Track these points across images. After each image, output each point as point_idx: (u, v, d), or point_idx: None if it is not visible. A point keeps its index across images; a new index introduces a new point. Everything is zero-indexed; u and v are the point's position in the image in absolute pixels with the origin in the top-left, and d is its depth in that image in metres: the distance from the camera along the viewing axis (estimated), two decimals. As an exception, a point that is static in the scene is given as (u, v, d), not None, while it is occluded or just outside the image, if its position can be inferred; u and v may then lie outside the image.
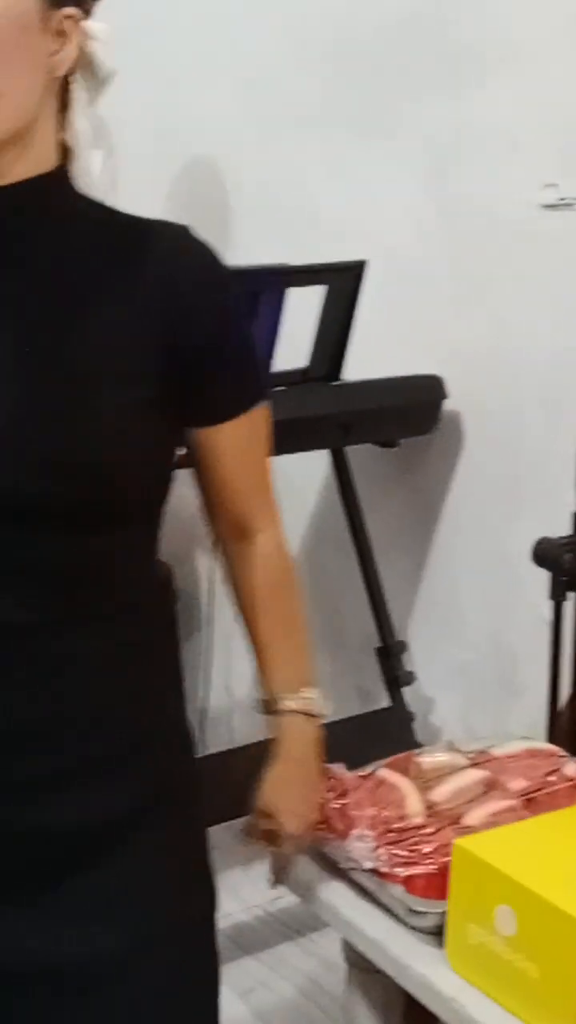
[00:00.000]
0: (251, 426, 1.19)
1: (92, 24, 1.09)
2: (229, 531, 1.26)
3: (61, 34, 1.04)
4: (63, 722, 1.10)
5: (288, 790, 1.30)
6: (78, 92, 1.11)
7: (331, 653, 2.68)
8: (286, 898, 2.03)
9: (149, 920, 1.14)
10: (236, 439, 1.18)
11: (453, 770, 1.60)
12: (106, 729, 1.12)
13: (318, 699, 1.31)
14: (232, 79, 2.66)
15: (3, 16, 1.00)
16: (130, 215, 1.13)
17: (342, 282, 2.25)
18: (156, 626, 1.20)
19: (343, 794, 1.52)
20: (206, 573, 2.74)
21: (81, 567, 1.08)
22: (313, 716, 1.30)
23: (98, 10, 1.10)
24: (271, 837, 1.32)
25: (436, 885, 1.35)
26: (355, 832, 1.45)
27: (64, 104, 1.10)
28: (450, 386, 2.32)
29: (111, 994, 1.12)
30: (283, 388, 2.26)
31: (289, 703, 1.28)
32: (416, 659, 2.49)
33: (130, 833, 1.14)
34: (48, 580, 1.07)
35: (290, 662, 1.29)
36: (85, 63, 1.09)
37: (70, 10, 1.05)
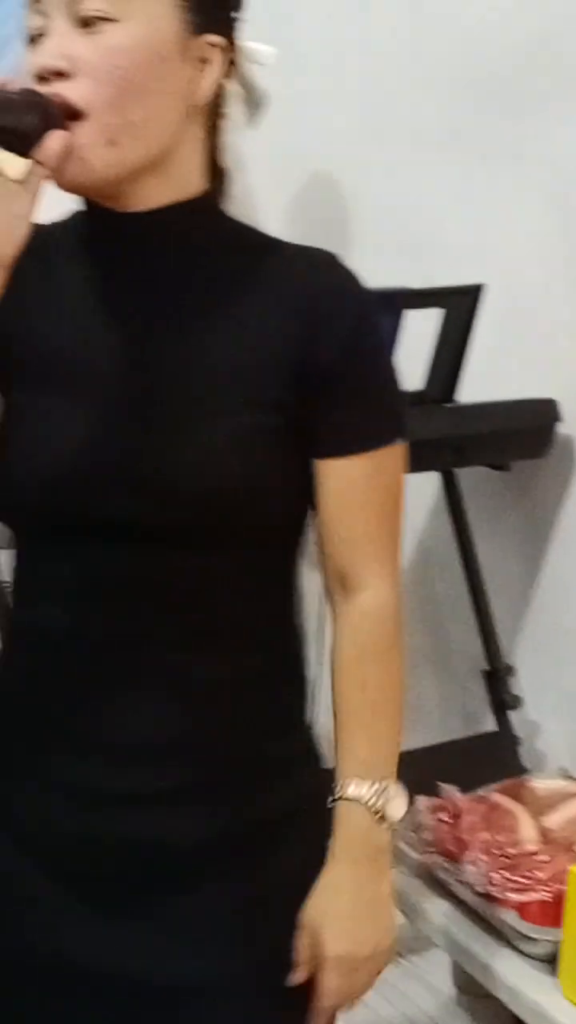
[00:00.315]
0: (371, 468, 1.09)
1: (255, 46, 1.09)
2: (332, 579, 1.14)
3: (203, 61, 1.04)
4: (191, 740, 1.09)
5: (336, 904, 1.09)
6: (230, 115, 1.10)
7: (437, 675, 2.68)
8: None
9: (263, 940, 1.11)
10: (348, 480, 1.09)
11: (566, 797, 1.60)
12: (231, 750, 1.11)
13: (393, 798, 1.10)
14: (357, 100, 2.68)
15: (141, 47, 1.00)
16: (277, 240, 1.12)
17: (460, 305, 2.25)
18: (284, 651, 1.16)
19: (455, 816, 1.52)
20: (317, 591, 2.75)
21: (209, 590, 1.08)
22: (378, 811, 1.09)
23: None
24: (313, 961, 1.10)
25: (550, 912, 1.35)
26: (468, 855, 1.45)
27: (214, 127, 1.10)
28: (564, 409, 2.31)
29: (203, 1013, 1.09)
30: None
31: (352, 789, 1.09)
32: (524, 684, 2.47)
33: (249, 855, 1.11)
34: (179, 602, 1.07)
35: (368, 744, 1.11)
36: (240, 86, 1.09)
37: (212, 37, 1.04)
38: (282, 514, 1.10)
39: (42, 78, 0.98)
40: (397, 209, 2.61)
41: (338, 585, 1.13)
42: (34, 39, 1.01)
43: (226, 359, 1.06)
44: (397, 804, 1.10)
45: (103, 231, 1.08)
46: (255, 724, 1.12)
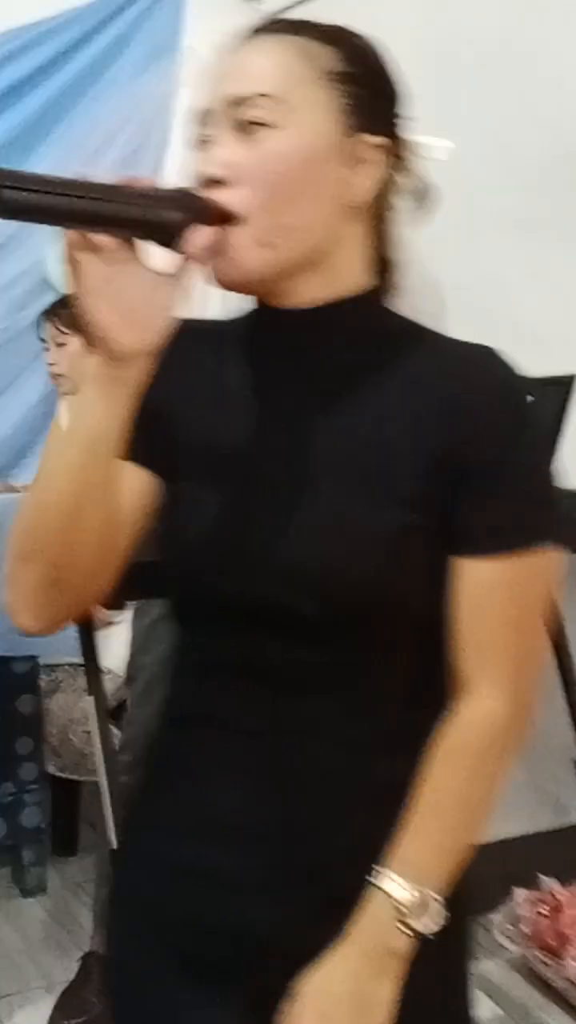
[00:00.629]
0: (504, 574, 1.04)
1: (428, 141, 1.11)
2: (452, 672, 1.07)
3: (362, 160, 1.05)
4: (296, 827, 1.07)
5: (326, 983, 1.01)
6: (396, 210, 1.11)
7: (526, 764, 2.64)
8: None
9: None
10: (478, 582, 1.04)
11: None
12: (339, 839, 1.07)
13: (426, 913, 1.01)
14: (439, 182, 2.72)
15: (299, 153, 1.02)
16: (436, 333, 1.12)
17: (549, 396, 2.26)
18: (408, 746, 1.08)
19: (556, 909, 1.51)
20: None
21: (332, 680, 1.07)
22: (404, 916, 1.01)
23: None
24: None
25: None
26: (570, 951, 1.44)
27: (379, 223, 1.10)
28: None
29: None
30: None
31: (388, 884, 1.02)
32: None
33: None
34: (303, 689, 1.07)
35: (421, 847, 1.03)
36: (405, 181, 1.11)
37: (372, 138, 1.05)
38: (424, 609, 1.06)
39: (204, 184, 1.02)
40: (478, 292, 2.63)
41: (454, 680, 1.07)
42: (200, 144, 1.05)
43: (378, 453, 1.06)
44: (427, 921, 1.01)
45: (265, 326, 1.11)
46: (382, 816, 1.06)
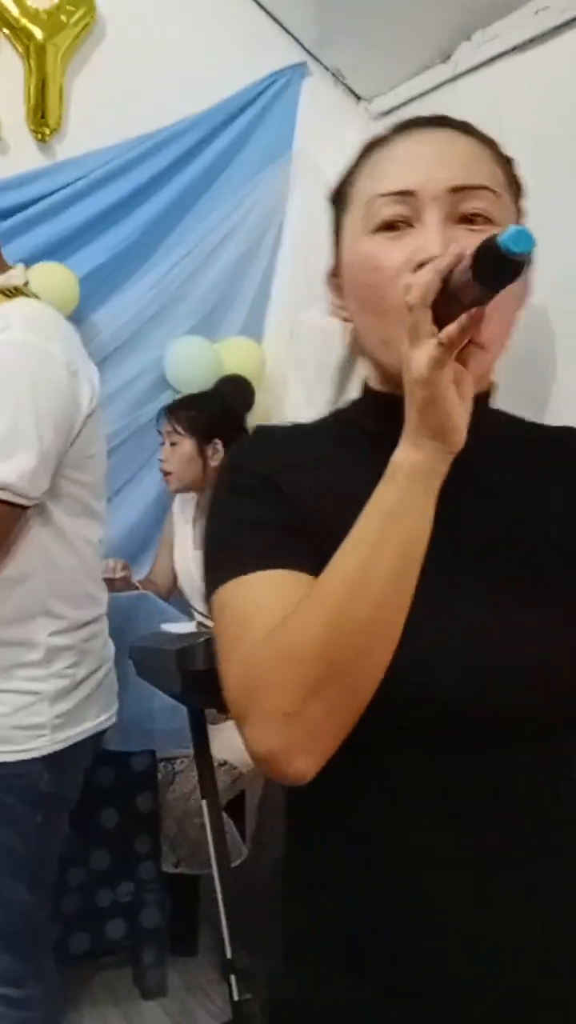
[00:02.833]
0: None
1: None
2: None
3: None
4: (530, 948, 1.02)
5: None
6: None
7: None
8: None
9: None
10: None
11: None
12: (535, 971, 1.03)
13: None
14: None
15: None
16: (537, 424, 1.16)
17: None
18: None
19: None
20: None
21: (541, 784, 1.04)
22: None
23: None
24: None
25: None
26: None
27: None
28: None
29: None
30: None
31: None
32: None
33: None
34: (512, 801, 1.03)
35: None
36: None
37: None
38: None
39: (421, 264, 0.99)
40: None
41: None
42: (390, 227, 1.04)
43: (559, 549, 1.07)
44: None
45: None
46: None
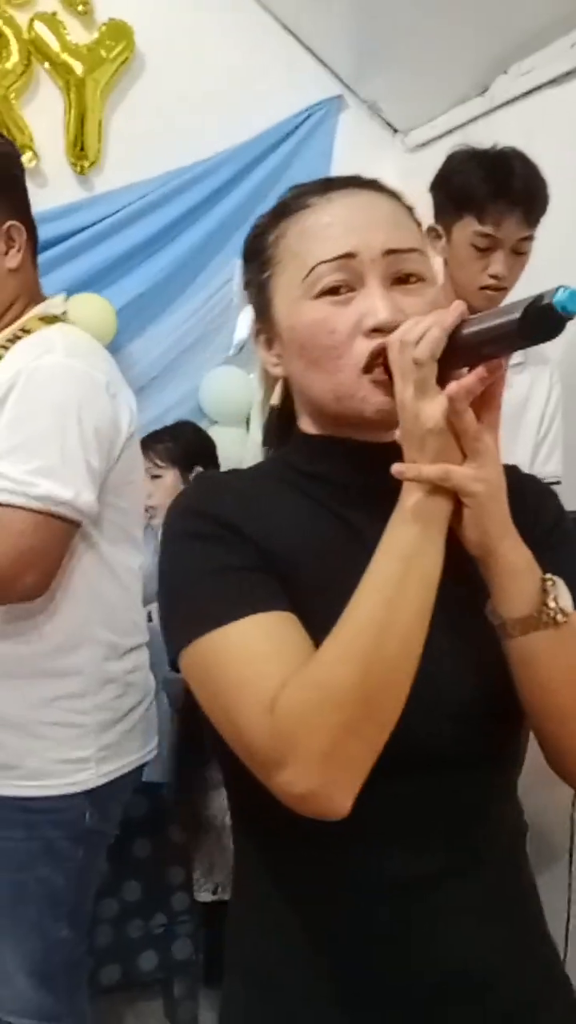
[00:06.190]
0: None
1: None
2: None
3: None
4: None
5: None
6: None
7: None
8: None
9: None
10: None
11: None
12: (497, 985, 1.08)
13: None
14: None
15: (440, 300, 1.09)
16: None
17: None
18: (526, 867, 1.16)
19: None
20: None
21: (477, 811, 1.08)
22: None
23: None
24: None
25: None
26: None
27: None
28: None
29: None
30: None
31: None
32: None
33: None
34: (454, 827, 1.07)
35: None
36: None
37: None
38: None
39: (376, 330, 1.05)
40: None
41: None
42: (331, 292, 1.08)
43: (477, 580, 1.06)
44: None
45: (363, 462, 1.10)
46: (519, 952, 1.12)
